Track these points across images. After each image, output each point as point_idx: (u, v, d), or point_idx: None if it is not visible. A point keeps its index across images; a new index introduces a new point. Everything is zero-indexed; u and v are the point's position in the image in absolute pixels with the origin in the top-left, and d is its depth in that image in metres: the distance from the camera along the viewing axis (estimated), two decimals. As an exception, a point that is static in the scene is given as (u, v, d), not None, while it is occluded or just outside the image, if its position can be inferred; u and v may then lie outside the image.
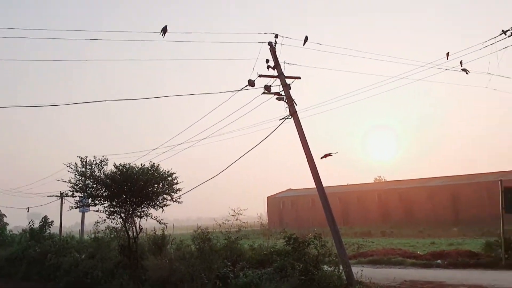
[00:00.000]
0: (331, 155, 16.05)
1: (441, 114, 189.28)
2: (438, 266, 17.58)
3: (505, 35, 16.65)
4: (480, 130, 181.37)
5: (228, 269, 10.84)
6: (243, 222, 16.29)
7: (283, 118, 14.69)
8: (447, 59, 16.80)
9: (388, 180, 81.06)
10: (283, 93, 14.61)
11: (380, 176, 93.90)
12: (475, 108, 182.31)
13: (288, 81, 14.57)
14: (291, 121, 14.49)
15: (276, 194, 78.87)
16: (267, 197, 78.55)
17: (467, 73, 16.51)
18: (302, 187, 71.61)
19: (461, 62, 17.06)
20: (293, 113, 14.37)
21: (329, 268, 12.33)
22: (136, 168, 18.76)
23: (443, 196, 54.06)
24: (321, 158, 15.95)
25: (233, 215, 16.18)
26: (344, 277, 12.17)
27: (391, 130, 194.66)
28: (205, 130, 18.47)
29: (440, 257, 19.02)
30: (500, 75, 17.85)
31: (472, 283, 12.68)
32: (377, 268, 17.91)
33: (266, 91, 14.78)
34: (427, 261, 18.56)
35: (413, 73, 18.87)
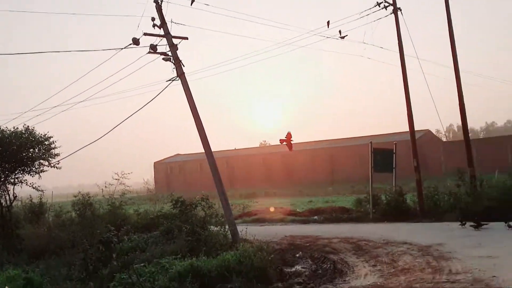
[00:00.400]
0: (291, 141, 16.22)
1: (326, 82, 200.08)
2: (315, 221, 19.01)
3: (379, 7, 17.99)
4: (357, 97, 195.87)
5: (112, 233, 10.56)
6: (127, 186, 15.85)
7: (170, 80, 14.38)
8: (328, 27, 17.78)
9: (272, 144, 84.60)
10: (170, 53, 14.23)
11: (265, 141, 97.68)
12: (354, 76, 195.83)
13: (175, 41, 14.19)
14: (179, 84, 14.23)
15: (164, 159, 77.88)
16: (154, 162, 77.24)
17: (343, 38, 17.78)
18: (191, 152, 71.58)
19: (340, 31, 18.21)
20: (181, 75, 14.10)
21: (215, 228, 12.64)
22: (8, 132, 17.17)
23: (321, 158, 57.98)
24: (290, 149, 16.24)
25: (116, 179, 15.65)
26: (230, 236, 12.58)
27: (279, 96, 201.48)
28: (86, 91, 17.43)
29: (316, 214, 20.60)
30: (374, 44, 19.39)
31: (344, 235, 13.91)
32: (261, 226, 18.80)
33: (152, 51, 14.27)
34: (306, 217, 19.98)
35: (298, 40, 19.55)
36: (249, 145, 74.99)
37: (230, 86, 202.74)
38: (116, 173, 15.79)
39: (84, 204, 14.15)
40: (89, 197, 15.02)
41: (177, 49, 14.21)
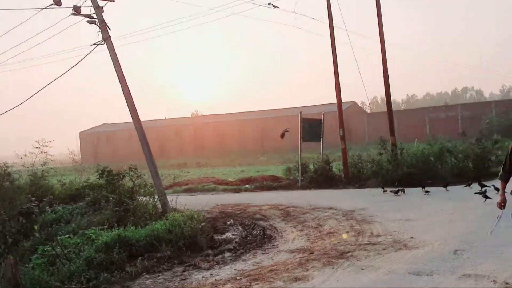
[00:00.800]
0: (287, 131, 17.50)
1: (259, 51, 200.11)
2: (246, 190, 19.27)
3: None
4: (289, 68, 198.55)
5: (33, 204, 10.02)
6: (49, 155, 15.00)
7: (95, 44, 13.66)
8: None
9: (204, 114, 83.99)
10: (95, 16, 13.47)
11: (197, 111, 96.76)
12: (286, 47, 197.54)
13: (101, 3, 13.44)
14: (106, 50, 13.53)
15: (90, 129, 74.79)
16: (80, 132, 73.98)
17: (275, 7, 17.81)
18: (119, 122, 69.26)
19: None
20: (106, 39, 13.42)
21: (144, 198, 12.40)
22: None
23: (252, 129, 58.53)
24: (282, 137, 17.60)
25: (37, 148, 14.70)
26: (160, 206, 12.41)
27: (211, 65, 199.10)
28: (2, 54, 16.13)
29: (248, 182, 20.89)
30: (305, 15, 19.59)
31: (273, 202, 14.23)
32: (192, 195, 18.73)
33: (76, 12, 13.43)
34: (237, 186, 20.19)
35: (230, 7, 19.29)
36: (180, 115, 73.88)
37: (160, 53, 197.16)
38: (36, 141, 14.84)
39: (1, 174, 13.21)
40: (6, 166, 14.05)
41: (102, 12, 13.48)
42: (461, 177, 16.16)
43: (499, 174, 5.56)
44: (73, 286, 7.04)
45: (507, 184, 5.59)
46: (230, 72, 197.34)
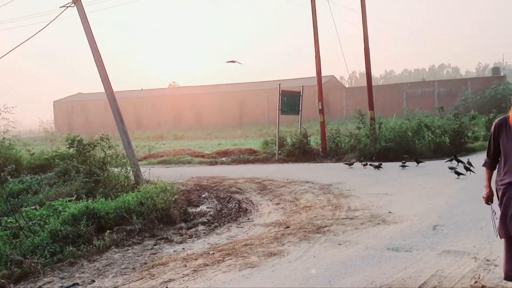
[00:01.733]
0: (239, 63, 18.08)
1: (238, 24, 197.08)
2: (223, 163, 18.95)
3: None
4: (269, 41, 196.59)
5: (-7, 174, 9.51)
6: (11, 122, 14.33)
7: (64, 6, 12.88)
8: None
9: (182, 86, 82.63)
10: (63, -25, 12.67)
11: (174, 82, 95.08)
12: (267, 19, 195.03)
13: (68, -39, 12.62)
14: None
15: (65, 98, 72.79)
16: (54, 101, 71.94)
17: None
18: (94, 91, 67.52)
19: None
20: (76, 1, 12.67)
21: (116, 170, 11.97)
22: None
23: (231, 101, 57.87)
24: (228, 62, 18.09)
25: None
26: (132, 177, 12.01)
27: (189, 37, 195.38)
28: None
29: (224, 155, 20.57)
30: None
31: (250, 176, 13.96)
32: (167, 167, 18.33)
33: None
34: (214, 159, 19.84)
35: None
36: (157, 86, 72.31)
37: (138, 22, 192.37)
38: None
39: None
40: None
41: (71, -29, 12.68)
42: (438, 152, 16.19)
43: (484, 160, 4.56)
44: (35, 260, 6.65)
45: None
46: (209, 44, 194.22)
